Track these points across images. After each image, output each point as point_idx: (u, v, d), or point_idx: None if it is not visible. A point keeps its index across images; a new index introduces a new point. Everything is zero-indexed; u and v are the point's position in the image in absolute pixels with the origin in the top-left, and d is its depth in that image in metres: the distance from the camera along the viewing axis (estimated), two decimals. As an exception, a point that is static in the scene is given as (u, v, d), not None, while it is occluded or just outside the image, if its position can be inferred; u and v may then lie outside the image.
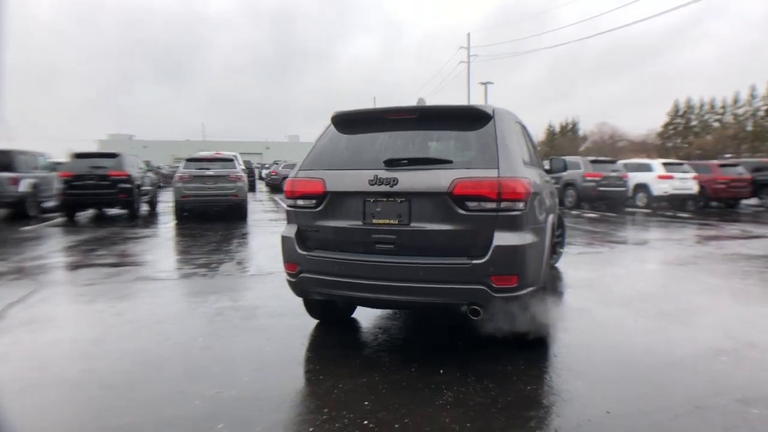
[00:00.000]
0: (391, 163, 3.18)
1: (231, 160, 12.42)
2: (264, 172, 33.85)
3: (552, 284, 4.59)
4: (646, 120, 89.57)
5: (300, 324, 4.03)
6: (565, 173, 16.86)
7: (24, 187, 12.41)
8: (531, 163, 3.77)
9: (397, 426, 2.50)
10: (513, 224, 3.00)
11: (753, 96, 45.44)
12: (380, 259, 3.12)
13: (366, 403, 2.75)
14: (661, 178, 17.62)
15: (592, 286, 5.55)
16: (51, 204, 13.14)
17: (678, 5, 69.69)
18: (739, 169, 18.29)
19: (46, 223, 11.84)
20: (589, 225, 11.90)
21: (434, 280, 3.01)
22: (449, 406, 2.71)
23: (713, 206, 17.31)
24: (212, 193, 11.78)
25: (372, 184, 3.14)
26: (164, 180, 24.72)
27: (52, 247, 8.52)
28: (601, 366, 3.30)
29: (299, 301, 3.79)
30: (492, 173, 3.00)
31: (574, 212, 14.98)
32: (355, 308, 4.22)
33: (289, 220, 3.50)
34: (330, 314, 4.02)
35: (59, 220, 12.30)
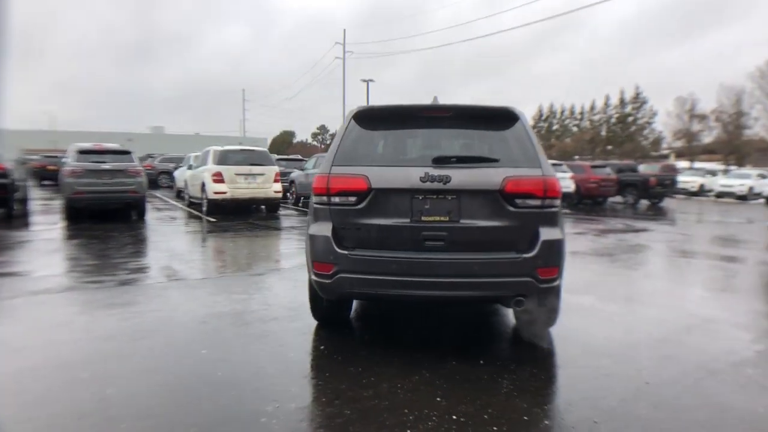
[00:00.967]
0: (441, 161, 3.21)
1: (128, 153, 11.25)
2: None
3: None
4: None
5: (299, 328, 3.93)
6: None
7: None
8: None
9: (486, 417, 2.57)
10: (553, 220, 3.23)
11: (607, 104, 52.24)
12: (431, 256, 3.15)
13: (438, 399, 2.77)
14: (545, 177, 19.52)
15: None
16: None
17: (541, 18, 77.55)
18: (608, 170, 20.89)
19: None
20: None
21: (486, 275, 3.12)
22: (516, 392, 2.85)
23: (585, 203, 19.50)
24: (109, 189, 10.50)
25: (423, 181, 3.15)
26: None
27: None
28: (607, 344, 3.68)
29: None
30: (537, 172, 3.19)
31: None
32: (351, 309, 4.17)
33: (319, 218, 3.34)
34: (336, 315, 3.94)
35: None
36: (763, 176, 25.13)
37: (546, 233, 3.17)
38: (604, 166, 21.36)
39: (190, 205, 13.93)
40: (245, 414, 2.57)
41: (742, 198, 24.24)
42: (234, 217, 11.51)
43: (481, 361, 3.30)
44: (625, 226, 11.91)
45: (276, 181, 12.41)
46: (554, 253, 3.19)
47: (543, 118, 58.98)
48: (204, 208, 11.99)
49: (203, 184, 11.95)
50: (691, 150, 42.10)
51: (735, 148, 38.53)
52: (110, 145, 11.78)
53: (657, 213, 16.56)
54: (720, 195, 25.21)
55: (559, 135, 55.91)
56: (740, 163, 36.08)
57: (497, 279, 3.13)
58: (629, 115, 49.98)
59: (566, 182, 19.39)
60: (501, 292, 3.17)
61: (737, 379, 3.10)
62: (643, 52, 65.97)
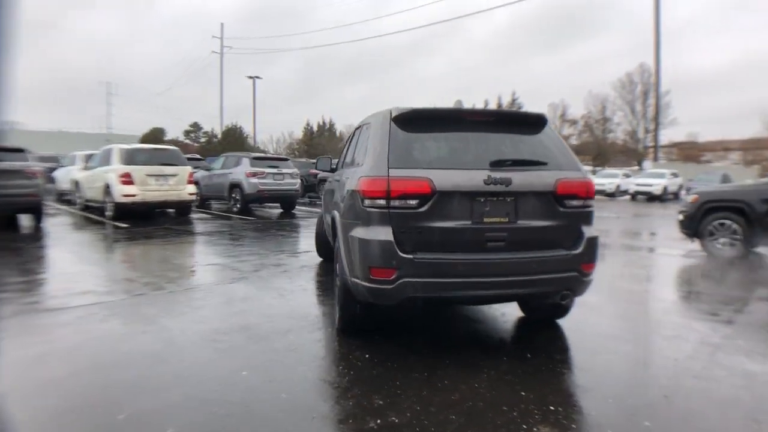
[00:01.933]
0: (498, 164, 3.30)
1: (21, 151, 9.69)
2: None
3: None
4: None
5: (323, 338, 3.79)
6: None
7: None
8: None
9: (577, 400, 2.73)
10: (591, 219, 3.50)
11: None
12: (493, 257, 3.22)
13: (522, 393, 2.87)
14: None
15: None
16: None
17: (419, 25, 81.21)
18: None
19: None
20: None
21: (541, 272, 3.28)
22: (575, 376, 3.06)
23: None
24: (4, 193, 8.98)
25: (487, 184, 3.21)
26: None
27: None
28: (620, 333, 4.08)
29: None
30: (579, 174, 3.44)
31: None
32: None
33: (372, 222, 3.21)
34: (368, 323, 3.84)
35: None
36: (627, 175, 28.59)
37: (588, 231, 3.44)
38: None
39: (86, 209, 12.33)
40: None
41: (658, 198, 24.75)
42: (148, 222, 10.45)
43: (528, 355, 3.47)
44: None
45: (190, 182, 11.51)
46: (594, 249, 3.46)
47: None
48: (109, 213, 10.71)
49: (107, 186, 10.66)
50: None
51: (600, 151, 43.82)
52: (-5, 142, 10.02)
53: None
54: (635, 195, 25.84)
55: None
56: (603, 165, 41.17)
57: (550, 276, 3.31)
58: (504, 119, 54.30)
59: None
60: (553, 287, 3.36)
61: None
62: (516, 59, 72.27)
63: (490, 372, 3.15)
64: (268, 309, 4.59)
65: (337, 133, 63.80)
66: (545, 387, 2.92)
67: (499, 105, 54.26)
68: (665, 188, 25.00)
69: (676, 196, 24.90)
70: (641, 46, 60.14)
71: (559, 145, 3.61)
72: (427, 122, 3.54)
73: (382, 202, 3.20)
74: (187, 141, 76.90)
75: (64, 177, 14.86)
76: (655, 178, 25.93)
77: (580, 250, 3.37)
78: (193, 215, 12.53)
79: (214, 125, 46.29)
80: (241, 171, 13.20)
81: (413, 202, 3.18)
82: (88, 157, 13.54)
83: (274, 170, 13.51)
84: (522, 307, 4.31)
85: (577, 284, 3.41)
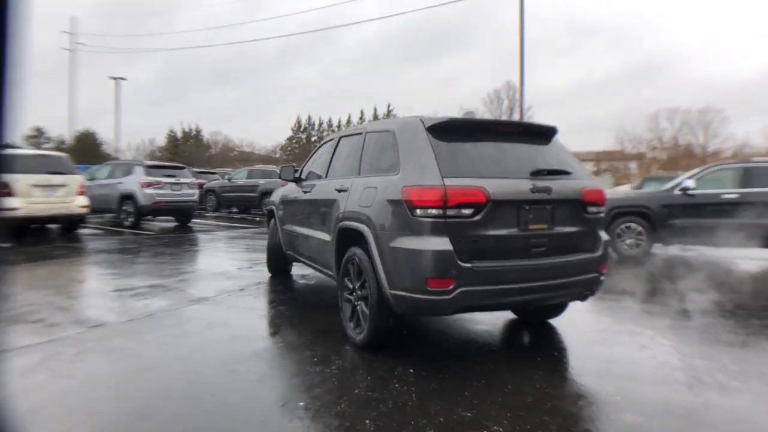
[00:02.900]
0: (537, 174, 3.44)
1: None
2: None
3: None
4: (249, 132, 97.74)
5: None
6: (263, 181, 17.86)
7: None
8: None
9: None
10: (602, 224, 3.81)
11: (362, 119, 57.34)
12: (537, 262, 3.35)
13: (539, 386, 3.05)
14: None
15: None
16: None
17: (289, 33, 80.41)
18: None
19: None
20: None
21: (574, 274, 3.50)
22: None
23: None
24: None
25: (533, 192, 3.34)
26: None
27: None
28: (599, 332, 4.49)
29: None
30: (595, 183, 3.76)
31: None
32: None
33: (428, 232, 3.14)
34: (395, 334, 3.76)
35: None
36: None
37: (603, 235, 3.75)
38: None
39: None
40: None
41: None
42: (35, 241, 8.92)
43: (538, 358, 3.66)
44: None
45: (80, 193, 10.08)
46: (607, 251, 3.78)
47: (301, 129, 61.20)
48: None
49: (-23, 200, 8.85)
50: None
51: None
52: None
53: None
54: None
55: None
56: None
57: (580, 277, 3.54)
58: (382, 130, 56.21)
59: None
60: (581, 288, 3.59)
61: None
62: (388, 71, 74.52)
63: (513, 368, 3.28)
64: (255, 330, 4.23)
65: (205, 140, 60.32)
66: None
67: (375, 116, 56.00)
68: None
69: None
70: (508, 63, 66.07)
71: (570, 155, 3.89)
72: (461, 132, 3.57)
73: (437, 211, 3.15)
74: (30, 147, 66.52)
75: None
76: None
77: (599, 252, 3.67)
78: (81, 231, 10.98)
79: (62, 131, 40.52)
80: (134, 181, 11.88)
81: (468, 211, 3.18)
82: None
83: (172, 180, 12.39)
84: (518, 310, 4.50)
85: (597, 284, 3.69)
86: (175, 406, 2.82)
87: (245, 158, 52.40)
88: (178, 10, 78.41)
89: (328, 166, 4.84)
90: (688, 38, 59.13)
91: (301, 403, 2.82)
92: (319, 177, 5.00)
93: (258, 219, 16.14)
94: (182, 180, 12.62)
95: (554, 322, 4.32)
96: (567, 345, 3.98)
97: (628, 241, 8.28)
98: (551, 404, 2.84)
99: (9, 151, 8.73)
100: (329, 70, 74.16)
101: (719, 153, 38.26)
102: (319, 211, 4.68)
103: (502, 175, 3.38)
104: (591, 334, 4.22)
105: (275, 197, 6.51)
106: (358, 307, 3.77)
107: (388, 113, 56.57)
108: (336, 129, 58.95)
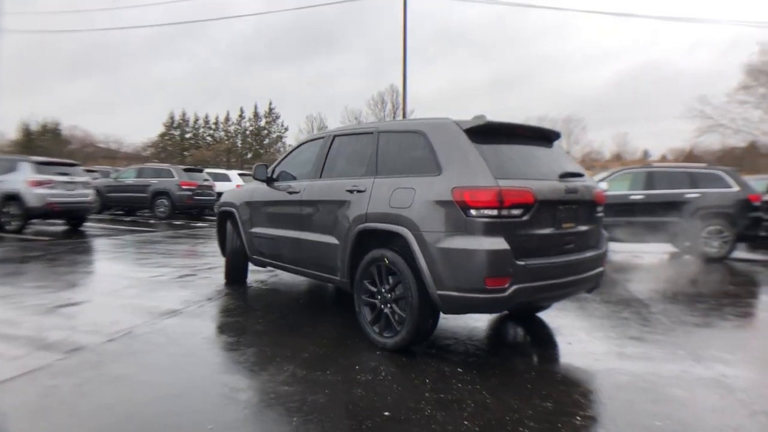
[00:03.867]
0: (565, 176, 3.69)
1: None
2: None
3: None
4: (115, 128, 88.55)
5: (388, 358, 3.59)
6: (156, 181, 16.52)
7: None
8: None
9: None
10: (602, 222, 4.20)
11: (242, 116, 54.93)
12: (569, 258, 3.62)
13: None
14: (239, 187, 19.63)
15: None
16: None
17: (157, 23, 74.15)
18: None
19: None
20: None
21: (590, 269, 3.82)
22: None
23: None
24: None
25: (567, 193, 3.59)
26: None
27: None
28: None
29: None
30: (598, 185, 4.12)
31: (177, 222, 14.90)
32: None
33: (483, 232, 3.21)
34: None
35: None
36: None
37: (604, 232, 4.14)
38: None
39: None
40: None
41: None
42: None
43: (538, 360, 3.97)
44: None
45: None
46: (607, 247, 4.18)
47: (175, 125, 56.91)
48: None
49: None
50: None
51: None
52: None
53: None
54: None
55: (193, 144, 55.21)
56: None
57: (593, 272, 3.87)
58: (264, 128, 54.36)
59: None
60: (592, 282, 3.92)
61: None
62: (266, 69, 71.73)
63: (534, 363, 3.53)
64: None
65: (63, 136, 53.26)
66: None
67: (256, 114, 54.27)
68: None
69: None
70: (382, 66, 67.63)
71: (569, 156, 4.25)
72: (496, 135, 3.69)
73: (493, 211, 3.25)
74: None
75: None
76: None
77: (604, 249, 4.05)
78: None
79: None
80: (20, 179, 10.17)
81: (519, 212, 3.33)
82: None
83: (65, 178, 10.84)
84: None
85: (601, 277, 4.07)
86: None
87: (111, 155, 47.36)
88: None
89: (323, 166, 4.65)
90: (550, 50, 65.72)
91: (386, 413, 2.73)
92: (308, 178, 4.77)
93: (152, 221, 14.82)
94: (76, 179, 11.07)
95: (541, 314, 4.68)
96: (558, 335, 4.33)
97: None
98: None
99: None
100: (202, 65, 69.74)
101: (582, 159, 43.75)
102: (318, 213, 4.48)
103: (539, 177, 3.59)
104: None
105: (232, 198, 6.07)
106: (386, 310, 3.72)
107: (270, 112, 55.10)
108: (214, 126, 55.82)
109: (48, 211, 10.44)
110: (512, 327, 4.55)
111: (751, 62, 26.01)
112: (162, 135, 56.01)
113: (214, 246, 10.54)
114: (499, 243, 3.24)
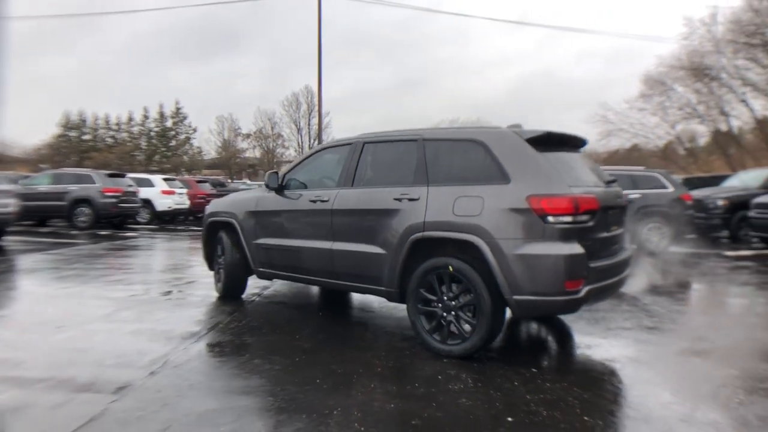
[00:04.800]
0: (609, 183, 4.03)
1: None
2: None
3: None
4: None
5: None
6: (75, 187, 15.16)
7: None
8: None
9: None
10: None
11: (146, 117, 51.03)
12: (617, 259, 3.92)
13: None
14: (165, 193, 18.47)
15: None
16: None
17: (42, 15, 66.84)
18: (208, 185, 21.82)
19: None
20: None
21: (628, 268, 4.16)
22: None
23: (193, 218, 19.19)
24: None
25: (615, 199, 3.91)
26: None
27: None
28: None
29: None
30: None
31: (102, 232, 13.81)
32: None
33: (560, 238, 3.39)
34: None
35: None
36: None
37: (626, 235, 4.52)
38: (205, 182, 22.28)
39: None
40: None
41: None
42: None
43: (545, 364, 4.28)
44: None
45: None
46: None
47: (70, 125, 51.61)
48: None
49: None
50: (232, 166, 47.92)
51: (275, 165, 46.25)
52: None
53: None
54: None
55: (93, 146, 50.46)
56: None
57: (628, 271, 4.21)
58: (171, 129, 50.98)
59: (184, 198, 19.07)
60: (626, 281, 4.25)
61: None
62: (164, 68, 67.14)
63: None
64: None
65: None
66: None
67: (162, 114, 50.93)
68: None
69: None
70: (298, 65, 66.22)
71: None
72: (551, 144, 3.87)
73: (570, 218, 3.43)
74: None
75: None
76: None
77: (631, 250, 4.41)
78: None
79: None
80: None
81: (587, 217, 3.55)
82: None
83: (-21, 187, 9.52)
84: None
85: (628, 278, 4.42)
86: None
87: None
88: None
89: (354, 174, 4.54)
90: (451, 55, 67.82)
91: (510, 419, 2.78)
92: (335, 187, 4.64)
93: (74, 232, 13.47)
94: None
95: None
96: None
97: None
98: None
99: None
100: (97, 62, 63.73)
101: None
102: (357, 222, 4.38)
103: (592, 184, 3.85)
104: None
105: (228, 208, 5.72)
106: (450, 318, 3.76)
107: (177, 112, 51.87)
108: (116, 127, 51.45)
109: None
110: (542, 329, 4.78)
111: (649, 73, 28.96)
112: (57, 137, 50.53)
113: (170, 259, 9.89)
114: (576, 247, 3.43)
